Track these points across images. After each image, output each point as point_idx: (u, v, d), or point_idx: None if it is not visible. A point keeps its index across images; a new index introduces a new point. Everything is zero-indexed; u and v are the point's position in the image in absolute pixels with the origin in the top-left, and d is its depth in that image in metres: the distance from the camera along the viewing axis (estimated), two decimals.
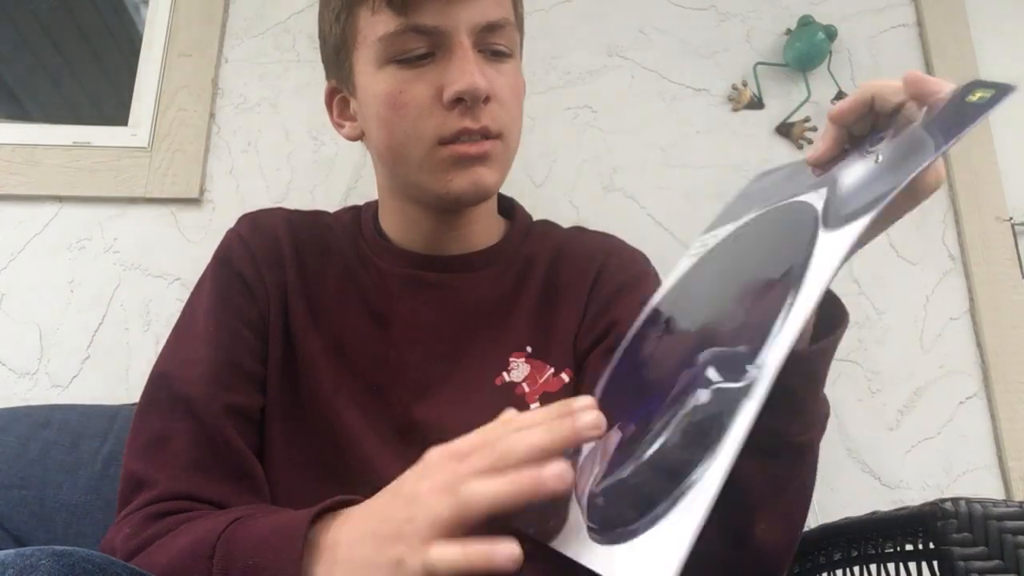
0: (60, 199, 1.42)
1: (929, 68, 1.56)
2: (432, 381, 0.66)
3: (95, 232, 1.40)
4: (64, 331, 1.35)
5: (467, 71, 0.59)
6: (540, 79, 1.53)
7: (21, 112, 1.83)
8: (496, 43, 0.63)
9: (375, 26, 0.61)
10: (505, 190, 0.75)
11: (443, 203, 0.66)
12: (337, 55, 0.67)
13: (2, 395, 1.29)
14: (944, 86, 0.46)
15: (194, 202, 1.41)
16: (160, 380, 0.63)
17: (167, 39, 1.51)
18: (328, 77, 0.71)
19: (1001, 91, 0.41)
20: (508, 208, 0.79)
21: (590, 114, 1.52)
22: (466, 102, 0.60)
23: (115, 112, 1.52)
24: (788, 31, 1.55)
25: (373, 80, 0.63)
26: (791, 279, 0.40)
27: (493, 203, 0.74)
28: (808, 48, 1.49)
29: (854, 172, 0.45)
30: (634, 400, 0.45)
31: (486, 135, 0.61)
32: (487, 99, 0.61)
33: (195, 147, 1.44)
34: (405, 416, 0.64)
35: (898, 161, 0.42)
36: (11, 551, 0.37)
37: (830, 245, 0.40)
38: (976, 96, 0.41)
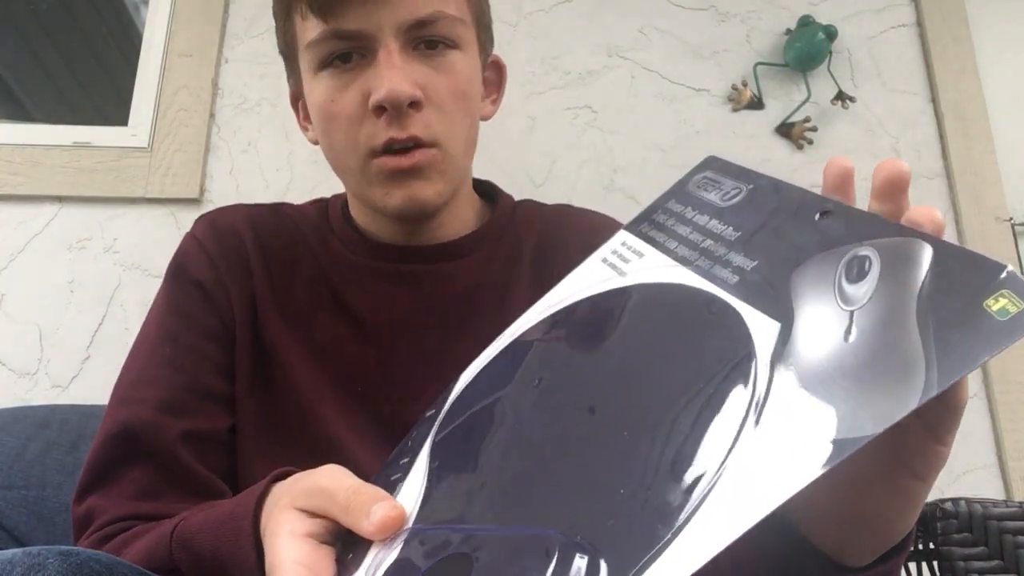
0: (60, 199, 1.42)
1: (929, 68, 1.56)
2: (422, 380, 0.61)
3: (95, 232, 1.40)
4: (64, 331, 1.35)
5: (386, 77, 0.55)
6: (540, 79, 1.53)
7: (21, 112, 1.83)
8: (431, 35, 0.58)
9: (305, 32, 0.59)
10: (505, 190, 0.74)
11: (389, 216, 0.62)
12: (288, 60, 0.66)
13: (2, 395, 1.29)
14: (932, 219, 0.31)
15: (194, 202, 1.41)
16: (113, 410, 0.59)
17: (167, 39, 1.51)
18: (288, 80, 0.70)
19: None
20: (489, 191, 0.74)
21: (590, 114, 1.52)
22: (389, 110, 0.56)
23: (115, 112, 1.52)
24: (788, 31, 1.55)
25: (312, 87, 0.61)
26: (687, 485, 0.26)
27: (467, 191, 0.69)
28: (808, 48, 1.49)
29: (815, 331, 0.29)
30: (452, 506, 0.33)
31: (418, 144, 0.57)
32: (416, 105, 0.56)
33: (195, 147, 1.44)
34: (394, 418, 0.60)
35: (874, 365, 0.26)
36: (18, 550, 0.37)
37: (754, 475, 0.25)
38: (998, 305, 0.25)
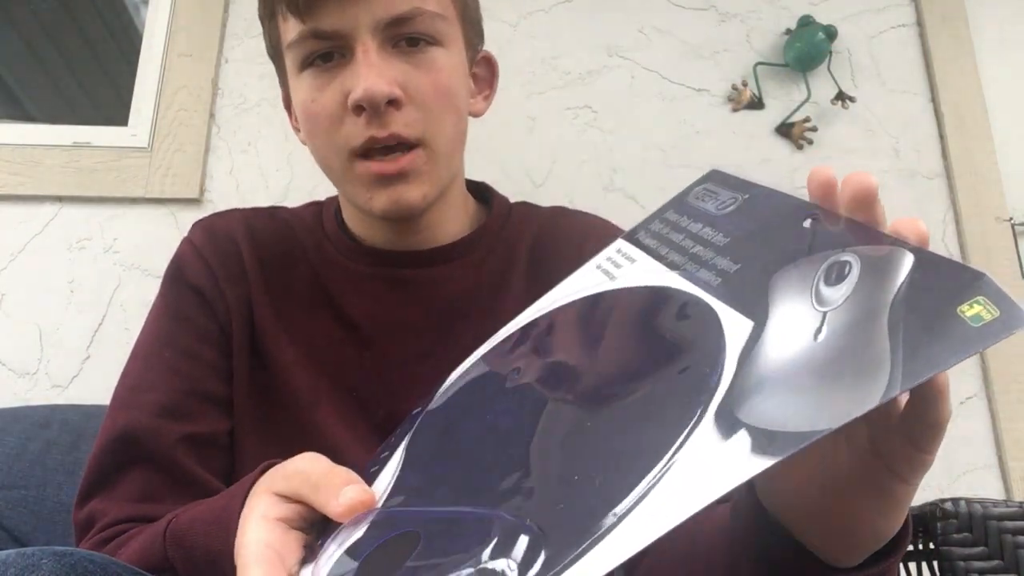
0: (60, 199, 1.42)
1: (929, 68, 1.56)
2: (416, 383, 0.59)
3: (95, 232, 1.40)
4: (64, 331, 1.35)
5: (363, 76, 0.54)
6: (540, 79, 1.53)
7: (21, 112, 1.83)
8: (409, 33, 0.57)
9: (287, 33, 0.59)
10: (506, 190, 0.74)
11: (375, 217, 0.62)
12: (276, 62, 0.65)
13: (2, 395, 1.29)
14: (915, 230, 0.31)
15: (194, 202, 1.41)
16: (113, 414, 0.60)
17: (167, 39, 1.51)
18: (280, 82, 0.69)
19: (1011, 318, 0.25)
20: (483, 192, 0.73)
21: (590, 114, 1.52)
22: (367, 110, 0.55)
23: (115, 112, 1.52)
24: (788, 31, 1.55)
25: (295, 87, 0.60)
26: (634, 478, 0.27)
27: (459, 192, 0.69)
28: (808, 48, 1.49)
29: (787, 329, 0.29)
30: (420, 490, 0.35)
31: (402, 143, 0.56)
32: (395, 103, 0.56)
33: (195, 147, 1.44)
34: (389, 420, 0.61)
35: (839, 363, 0.27)
36: (12, 551, 0.37)
37: (704, 464, 0.26)
38: (972, 311, 0.25)
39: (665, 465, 0.27)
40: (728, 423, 0.27)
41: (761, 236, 0.35)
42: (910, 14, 1.60)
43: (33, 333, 1.35)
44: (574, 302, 0.41)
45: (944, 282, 0.27)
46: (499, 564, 0.27)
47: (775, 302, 0.31)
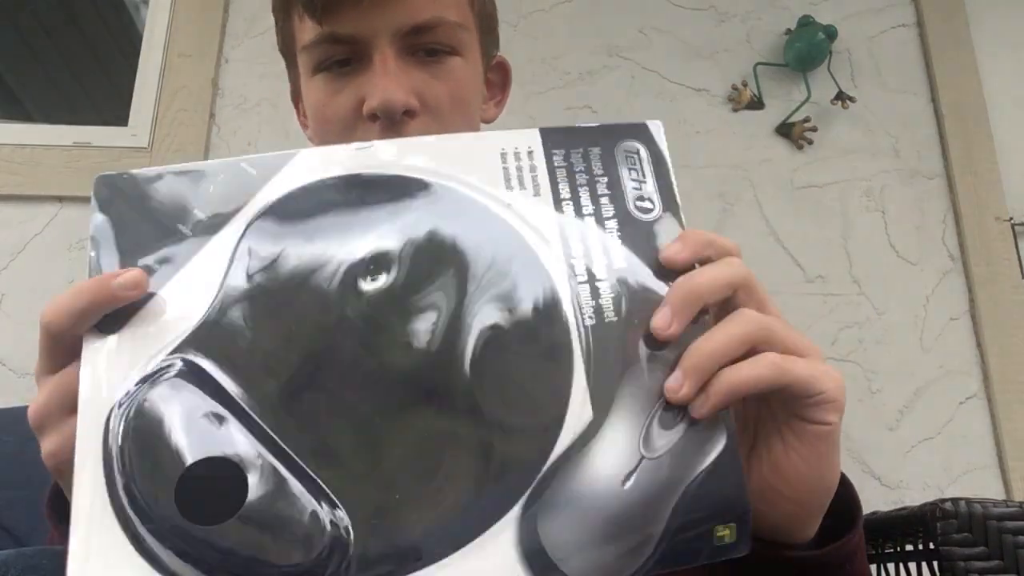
0: (60, 199, 1.42)
1: (929, 68, 1.56)
2: None
3: None
4: None
5: (380, 85, 0.54)
6: (540, 79, 1.53)
7: (21, 112, 1.83)
8: (429, 42, 0.56)
9: (302, 34, 0.58)
10: None
11: None
12: (287, 59, 0.65)
13: (2, 395, 1.29)
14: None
15: None
16: None
17: (167, 39, 1.51)
18: (289, 77, 0.69)
19: (742, 546, 0.30)
20: None
21: (590, 114, 1.52)
22: (382, 119, 0.54)
23: (115, 112, 1.52)
24: (788, 31, 1.55)
25: (307, 88, 0.60)
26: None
27: None
28: (808, 48, 1.49)
29: (608, 458, 0.30)
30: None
31: None
32: (410, 113, 0.55)
33: (195, 147, 1.44)
34: None
35: (624, 524, 0.29)
36: (12, 551, 0.37)
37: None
38: (722, 532, 0.30)
39: (470, 540, 0.28)
40: (527, 531, 0.28)
41: (642, 296, 0.32)
42: (910, 14, 1.60)
43: (33, 333, 1.34)
44: (470, 211, 0.33)
45: (723, 492, 0.30)
46: (315, 560, 0.27)
47: (615, 408, 0.30)
